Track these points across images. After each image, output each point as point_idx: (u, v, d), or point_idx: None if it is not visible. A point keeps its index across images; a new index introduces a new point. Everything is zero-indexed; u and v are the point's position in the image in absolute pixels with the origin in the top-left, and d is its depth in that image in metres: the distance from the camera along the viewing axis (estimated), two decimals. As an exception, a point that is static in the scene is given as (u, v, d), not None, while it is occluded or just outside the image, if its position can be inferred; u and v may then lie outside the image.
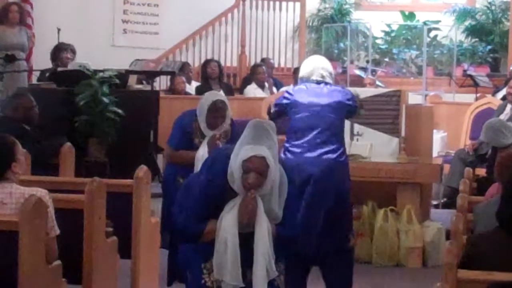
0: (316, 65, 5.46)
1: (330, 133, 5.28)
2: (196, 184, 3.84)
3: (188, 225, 3.77)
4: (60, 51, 9.33)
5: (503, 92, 9.19)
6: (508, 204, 3.11)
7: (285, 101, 5.43)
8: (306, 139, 5.27)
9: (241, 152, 3.70)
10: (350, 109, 5.42)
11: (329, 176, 5.19)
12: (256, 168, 3.63)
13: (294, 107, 5.35)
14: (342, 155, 5.31)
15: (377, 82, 10.94)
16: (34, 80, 9.82)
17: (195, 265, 3.69)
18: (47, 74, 8.89)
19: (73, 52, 9.39)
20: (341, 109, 5.35)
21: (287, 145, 5.34)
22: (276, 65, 12.34)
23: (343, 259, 5.28)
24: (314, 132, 5.26)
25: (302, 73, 5.50)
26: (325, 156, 5.23)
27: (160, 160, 8.58)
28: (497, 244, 3.07)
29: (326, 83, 5.39)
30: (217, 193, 3.74)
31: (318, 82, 5.39)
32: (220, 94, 6.04)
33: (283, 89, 10.43)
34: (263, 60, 11.81)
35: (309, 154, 5.23)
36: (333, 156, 5.24)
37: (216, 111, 5.51)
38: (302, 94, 5.38)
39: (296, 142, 5.29)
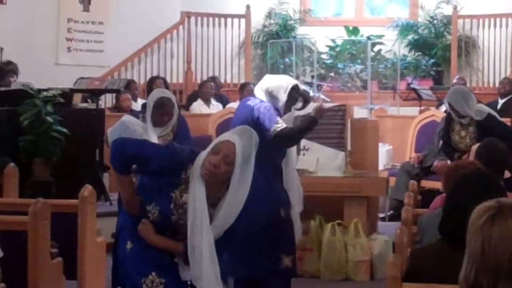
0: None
1: None
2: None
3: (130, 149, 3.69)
4: (3, 74, 9.23)
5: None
6: (449, 217, 3.15)
7: None
8: None
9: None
10: None
11: None
12: (225, 149, 3.43)
13: None
14: None
15: (323, 97, 11.02)
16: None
17: (134, 280, 3.62)
18: (-11, 94, 8.77)
19: (16, 73, 9.30)
20: None
21: None
22: (222, 81, 12.39)
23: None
24: None
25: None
26: None
27: (106, 178, 8.51)
28: (440, 256, 3.09)
29: None
30: (174, 159, 3.57)
31: None
32: (167, 92, 5.92)
33: (230, 105, 10.44)
34: (213, 77, 11.82)
35: None
36: None
37: (161, 108, 5.45)
38: None
39: None
